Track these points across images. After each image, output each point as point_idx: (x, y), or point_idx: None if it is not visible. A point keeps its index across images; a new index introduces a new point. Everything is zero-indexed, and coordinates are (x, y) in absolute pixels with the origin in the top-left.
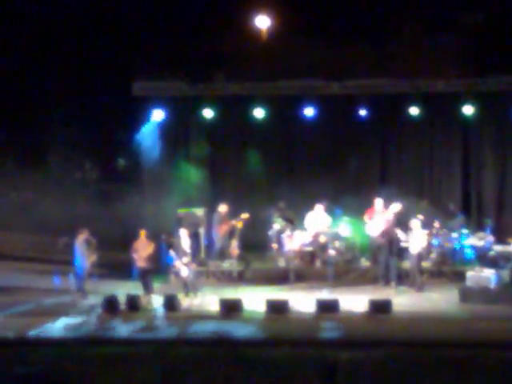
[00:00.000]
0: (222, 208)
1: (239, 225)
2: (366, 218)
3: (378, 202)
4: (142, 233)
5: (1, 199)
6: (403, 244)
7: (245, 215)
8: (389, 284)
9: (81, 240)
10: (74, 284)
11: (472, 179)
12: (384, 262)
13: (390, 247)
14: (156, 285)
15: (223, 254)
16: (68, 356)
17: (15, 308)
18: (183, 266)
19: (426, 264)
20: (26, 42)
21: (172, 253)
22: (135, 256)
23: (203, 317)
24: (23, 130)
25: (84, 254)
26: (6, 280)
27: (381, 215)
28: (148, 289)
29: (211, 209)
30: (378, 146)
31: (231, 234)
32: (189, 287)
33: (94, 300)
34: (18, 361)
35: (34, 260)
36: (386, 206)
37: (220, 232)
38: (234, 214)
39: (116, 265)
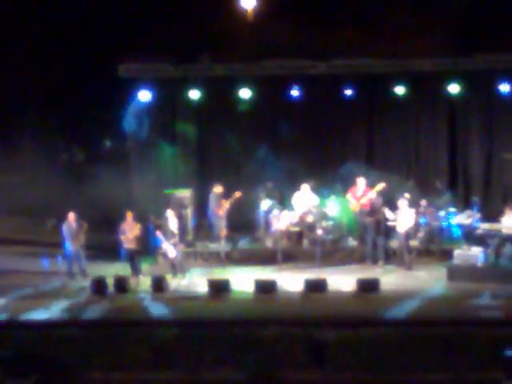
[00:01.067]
0: (218, 189)
1: (226, 205)
2: (348, 196)
3: (361, 181)
4: (129, 214)
5: None
6: (390, 223)
7: (237, 194)
8: (376, 263)
9: (69, 222)
10: (64, 266)
11: (459, 157)
12: (371, 241)
13: (377, 226)
14: (144, 266)
15: (214, 235)
16: (57, 338)
17: (3, 291)
18: (171, 248)
19: (413, 243)
20: (10, 22)
21: (159, 234)
22: (122, 238)
23: (191, 298)
24: (6, 114)
25: (71, 237)
26: None
27: (364, 194)
28: (136, 270)
29: (198, 190)
30: (365, 126)
31: None
32: (176, 268)
33: (83, 282)
34: (6, 343)
35: (22, 243)
36: (371, 184)
37: (218, 213)
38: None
39: (104, 246)
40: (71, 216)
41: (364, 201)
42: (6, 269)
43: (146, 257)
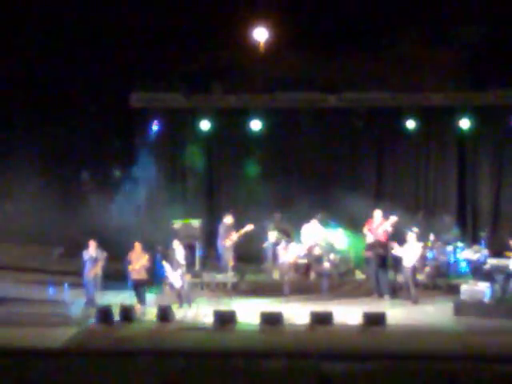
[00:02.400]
0: (228, 220)
1: (235, 237)
2: (365, 229)
3: (377, 214)
4: (137, 245)
5: None
6: (397, 256)
7: (249, 227)
8: (383, 297)
9: (90, 250)
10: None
11: (468, 192)
12: (374, 274)
13: (382, 260)
14: (150, 296)
15: (222, 266)
16: (61, 367)
17: (9, 318)
18: (177, 278)
19: (420, 277)
20: (27, 50)
21: (165, 264)
22: (129, 267)
23: (197, 328)
24: (17, 141)
25: (88, 265)
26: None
27: (378, 227)
28: (142, 300)
29: (207, 220)
30: (374, 159)
31: None
32: (182, 299)
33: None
34: (9, 372)
35: (29, 270)
36: (384, 218)
37: (225, 244)
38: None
39: (111, 275)
40: (92, 244)
41: (379, 234)
42: (13, 297)
43: (153, 286)
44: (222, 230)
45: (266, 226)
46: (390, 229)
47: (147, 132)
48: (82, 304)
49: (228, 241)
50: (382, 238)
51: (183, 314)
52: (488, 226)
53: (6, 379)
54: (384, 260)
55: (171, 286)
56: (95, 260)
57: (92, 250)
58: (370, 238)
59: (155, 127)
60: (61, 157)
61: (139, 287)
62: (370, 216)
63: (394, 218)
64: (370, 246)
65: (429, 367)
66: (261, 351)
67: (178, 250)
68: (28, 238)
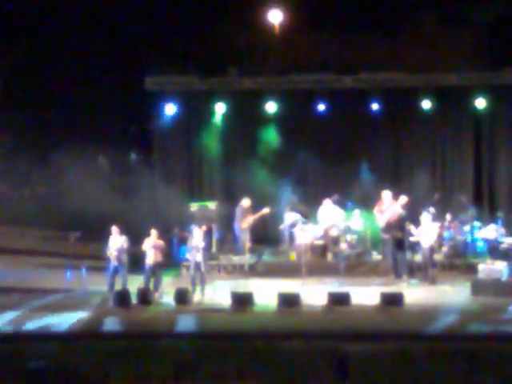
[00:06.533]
0: (245, 202)
1: (251, 219)
2: (375, 210)
3: (386, 195)
4: (153, 231)
5: (14, 194)
6: (413, 238)
7: (265, 211)
8: (400, 277)
9: (114, 236)
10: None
11: (484, 172)
12: (391, 255)
13: (398, 241)
14: (167, 279)
15: (238, 248)
16: (81, 350)
17: (28, 303)
18: (195, 261)
19: (437, 257)
20: (40, 37)
21: (188, 246)
22: (146, 251)
23: (215, 310)
24: (35, 126)
25: (113, 252)
26: (17, 275)
27: (389, 208)
28: (158, 283)
29: (223, 203)
30: (391, 140)
31: None
32: (197, 282)
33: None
34: (31, 356)
35: (47, 254)
36: (396, 198)
37: (242, 226)
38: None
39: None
40: (115, 230)
41: (389, 215)
42: (31, 280)
43: (169, 269)
44: (238, 212)
45: (282, 207)
46: (400, 210)
47: (163, 115)
48: (102, 289)
49: (245, 223)
50: (392, 218)
51: (200, 296)
52: (505, 205)
53: (27, 363)
54: (401, 241)
55: (188, 269)
56: (120, 246)
57: (116, 236)
58: (380, 219)
59: (170, 110)
60: (77, 141)
61: (156, 270)
62: (380, 197)
63: (404, 199)
64: (387, 229)
65: (446, 347)
66: (278, 332)
67: (196, 235)
68: (44, 222)
